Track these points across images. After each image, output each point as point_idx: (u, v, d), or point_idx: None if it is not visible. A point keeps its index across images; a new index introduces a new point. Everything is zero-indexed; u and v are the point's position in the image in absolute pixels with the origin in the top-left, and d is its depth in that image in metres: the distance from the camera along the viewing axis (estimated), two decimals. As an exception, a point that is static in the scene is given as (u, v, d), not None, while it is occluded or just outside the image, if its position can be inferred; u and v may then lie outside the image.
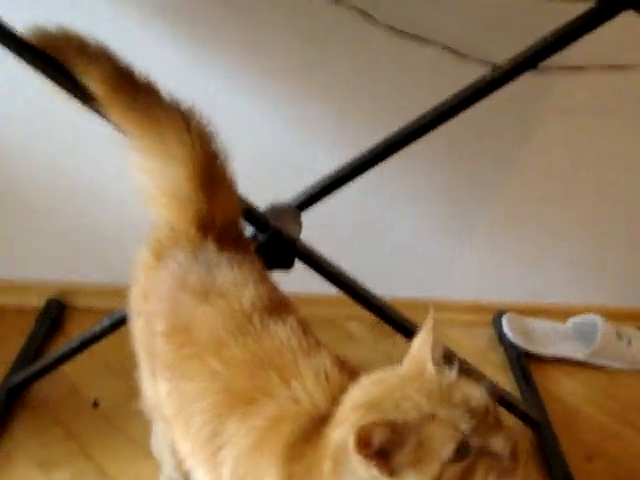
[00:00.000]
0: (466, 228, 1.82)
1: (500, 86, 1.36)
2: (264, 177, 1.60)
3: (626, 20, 1.21)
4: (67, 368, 1.61)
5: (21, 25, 1.16)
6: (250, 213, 1.28)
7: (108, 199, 1.72)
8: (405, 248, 1.84)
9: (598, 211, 1.81)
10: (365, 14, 1.41)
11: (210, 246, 1.03)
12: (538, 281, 1.92)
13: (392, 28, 1.45)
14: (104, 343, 1.51)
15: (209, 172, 1.05)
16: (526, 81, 1.39)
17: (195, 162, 1.02)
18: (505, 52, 1.38)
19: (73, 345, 1.54)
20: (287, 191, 1.38)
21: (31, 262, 1.82)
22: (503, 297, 1.92)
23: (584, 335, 1.87)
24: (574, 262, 1.88)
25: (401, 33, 1.45)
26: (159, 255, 1.06)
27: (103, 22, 1.46)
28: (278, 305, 0.99)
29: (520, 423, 1.60)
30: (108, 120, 1.10)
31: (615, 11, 1.23)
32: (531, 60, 1.33)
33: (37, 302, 1.83)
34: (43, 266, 1.82)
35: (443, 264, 1.87)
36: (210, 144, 1.06)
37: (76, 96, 1.15)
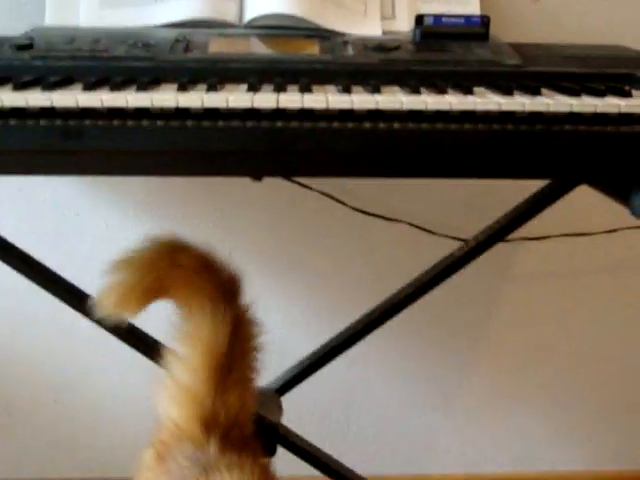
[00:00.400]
0: (448, 402, 1.81)
1: (471, 260, 1.41)
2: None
3: (582, 191, 1.27)
4: None
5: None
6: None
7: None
8: (388, 425, 1.82)
9: (573, 375, 1.81)
10: (334, 198, 1.47)
11: (212, 447, 0.99)
12: (525, 449, 1.89)
13: (360, 210, 1.51)
14: None
15: (230, 365, 1.02)
16: (492, 252, 1.45)
17: (218, 353, 1.00)
18: (468, 227, 1.45)
19: None
20: (264, 374, 1.37)
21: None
22: (491, 468, 1.87)
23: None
24: (559, 428, 1.86)
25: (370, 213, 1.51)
26: (161, 456, 1.02)
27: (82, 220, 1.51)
28: None
29: None
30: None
31: (571, 186, 1.30)
32: (498, 234, 1.39)
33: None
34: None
35: (428, 439, 1.84)
36: (245, 333, 1.04)
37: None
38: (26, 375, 1.68)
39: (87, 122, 0.84)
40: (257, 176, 0.99)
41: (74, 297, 1.28)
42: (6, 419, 1.71)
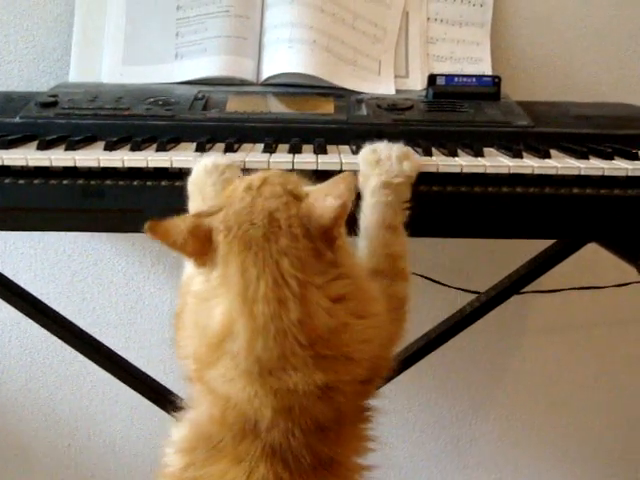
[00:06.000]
0: (460, 452, 1.81)
1: (484, 313, 1.42)
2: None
3: (593, 246, 1.28)
4: None
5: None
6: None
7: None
8: (400, 474, 1.81)
9: (585, 426, 1.80)
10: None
11: None
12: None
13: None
14: None
15: None
16: (504, 304, 1.46)
17: None
18: (482, 280, 1.47)
19: None
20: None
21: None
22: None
23: None
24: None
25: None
26: None
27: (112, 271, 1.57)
28: None
29: None
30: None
31: (580, 243, 1.31)
32: (511, 288, 1.40)
33: None
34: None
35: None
36: None
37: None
38: (40, 421, 1.70)
39: (108, 182, 0.87)
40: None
41: (88, 346, 1.31)
42: (22, 464, 1.72)
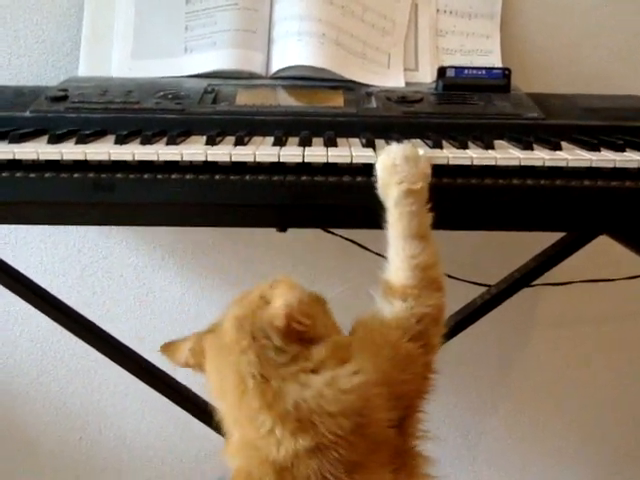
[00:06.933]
0: (469, 447, 1.81)
1: (495, 305, 1.41)
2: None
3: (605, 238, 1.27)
4: None
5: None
6: None
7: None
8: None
9: (595, 420, 1.79)
10: (357, 244, 1.48)
11: None
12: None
13: (384, 255, 1.51)
14: None
15: None
16: (515, 297, 1.46)
17: None
18: (493, 273, 1.46)
19: None
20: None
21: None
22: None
23: None
24: (581, 474, 1.84)
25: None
26: None
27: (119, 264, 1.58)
28: None
29: None
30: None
31: (592, 236, 1.31)
32: (522, 281, 1.40)
33: None
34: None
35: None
36: None
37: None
38: (51, 415, 1.70)
39: (119, 175, 0.87)
40: (282, 228, 1.01)
41: (99, 339, 1.31)
42: (34, 457, 1.73)
